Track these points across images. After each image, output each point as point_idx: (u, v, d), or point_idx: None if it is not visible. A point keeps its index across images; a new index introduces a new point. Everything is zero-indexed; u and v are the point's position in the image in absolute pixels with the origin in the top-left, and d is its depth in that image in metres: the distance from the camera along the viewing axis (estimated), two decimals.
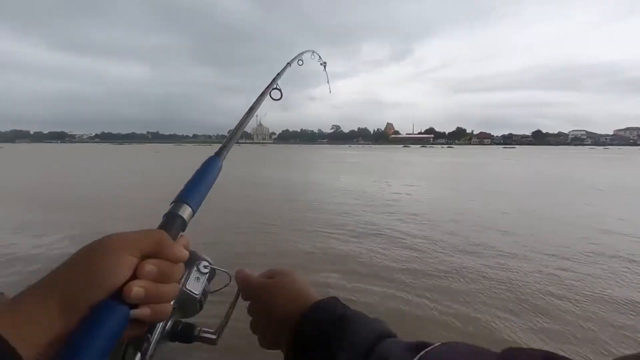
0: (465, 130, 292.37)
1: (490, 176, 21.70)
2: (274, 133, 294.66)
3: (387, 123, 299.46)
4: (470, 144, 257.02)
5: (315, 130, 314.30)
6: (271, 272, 0.59)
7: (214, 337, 0.54)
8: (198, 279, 0.52)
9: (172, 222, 0.48)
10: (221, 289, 0.59)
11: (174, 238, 0.46)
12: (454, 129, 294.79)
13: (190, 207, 0.52)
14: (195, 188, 0.55)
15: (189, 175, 0.59)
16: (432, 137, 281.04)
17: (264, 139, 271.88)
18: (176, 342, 0.50)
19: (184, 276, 0.50)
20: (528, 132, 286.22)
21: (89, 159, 42.92)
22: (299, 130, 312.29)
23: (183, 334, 0.50)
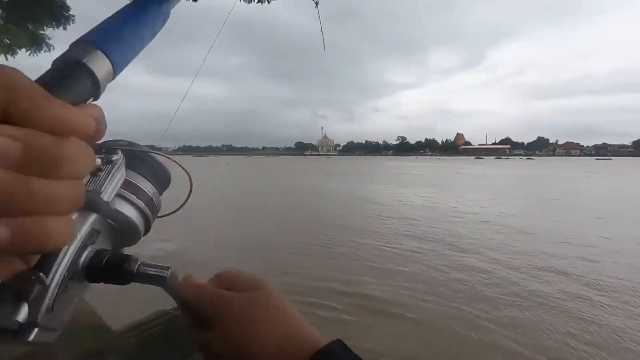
0: (547, 140, 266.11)
1: (587, 193, 18.87)
2: (338, 145, 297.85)
3: (457, 133, 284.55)
4: (554, 154, 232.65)
5: (380, 142, 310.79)
6: (229, 277, 0.40)
7: (164, 273, 0.34)
8: (131, 184, 0.35)
9: (64, 74, 0.28)
10: (177, 210, 0.41)
11: (75, 100, 0.27)
12: (534, 139, 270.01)
13: (108, 58, 0.32)
14: (117, 32, 0.34)
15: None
16: (508, 148, 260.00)
17: (329, 150, 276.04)
18: (102, 284, 0.32)
19: (102, 176, 0.31)
20: (627, 142, 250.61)
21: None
22: (363, 141, 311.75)
23: (110, 270, 0.32)
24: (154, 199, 0.38)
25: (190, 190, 0.45)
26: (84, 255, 0.30)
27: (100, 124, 0.24)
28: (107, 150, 0.34)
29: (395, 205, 13.10)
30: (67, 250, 0.28)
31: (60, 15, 6.40)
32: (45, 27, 6.42)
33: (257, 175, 36.05)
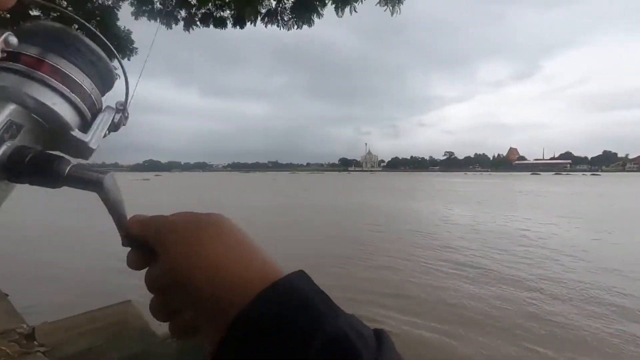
0: (615, 154, 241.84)
1: None
2: (382, 161, 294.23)
3: (510, 148, 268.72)
4: (624, 170, 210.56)
5: (426, 157, 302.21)
6: (184, 214, 0.33)
7: (101, 177, 0.30)
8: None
9: None
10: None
11: None
12: (600, 153, 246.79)
13: None
14: None
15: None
16: (569, 163, 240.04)
17: (373, 166, 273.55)
18: (26, 185, 0.29)
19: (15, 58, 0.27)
20: None
21: (218, 185, 49.99)
22: (408, 157, 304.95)
23: (35, 169, 0.28)
24: (93, 96, 0.32)
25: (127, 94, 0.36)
26: (1, 150, 0.27)
27: None
28: (24, 29, 0.29)
29: (442, 226, 12.51)
30: None
31: (126, 48, 7.15)
32: (112, 59, 7.18)
33: (302, 191, 36.54)
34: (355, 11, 6.26)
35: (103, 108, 0.34)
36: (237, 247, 0.31)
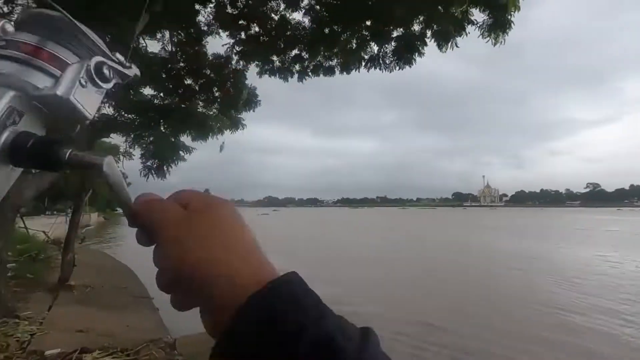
0: None
1: None
2: (504, 195, 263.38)
3: None
4: None
5: (562, 190, 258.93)
6: (186, 195, 0.34)
7: (100, 162, 0.31)
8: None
9: None
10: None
11: None
12: None
13: None
14: None
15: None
16: None
17: (493, 201, 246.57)
18: (30, 173, 0.32)
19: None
20: None
21: (328, 220, 51.77)
22: (537, 190, 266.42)
23: (37, 153, 0.29)
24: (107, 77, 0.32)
25: None
26: (4, 136, 0.28)
27: None
28: (22, 18, 0.30)
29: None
30: None
31: (252, 102, 8.43)
32: (241, 112, 8.48)
33: (416, 227, 35.16)
34: (456, 46, 6.20)
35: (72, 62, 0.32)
36: (236, 243, 0.31)
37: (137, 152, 6.97)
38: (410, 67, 6.84)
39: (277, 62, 9.45)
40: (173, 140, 6.39)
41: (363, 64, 7.62)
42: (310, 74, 9.58)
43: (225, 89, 8.43)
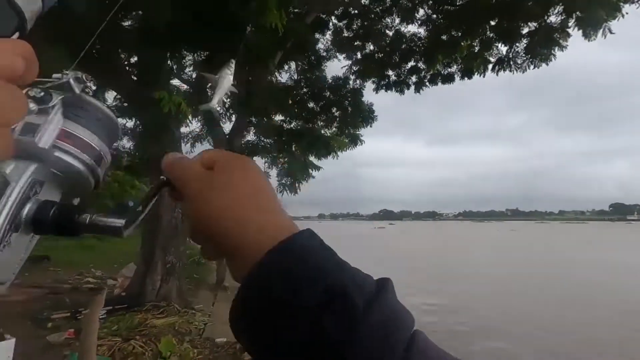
0: None
1: None
2: None
3: None
4: None
5: None
6: (209, 155, 0.36)
7: (119, 224, 0.33)
8: (74, 114, 0.33)
9: None
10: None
11: None
12: None
13: None
14: None
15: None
16: None
17: None
18: (50, 236, 0.33)
19: (37, 123, 0.30)
20: None
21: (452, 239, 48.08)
22: None
23: (60, 222, 0.31)
24: (100, 151, 0.34)
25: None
26: (27, 207, 0.29)
27: (29, 63, 0.21)
28: (41, 95, 0.31)
29: None
30: (5, 203, 0.27)
31: (369, 118, 8.70)
32: (359, 129, 8.77)
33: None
34: (610, 32, 5.24)
35: (108, 159, 0.36)
36: (255, 196, 0.33)
37: (273, 171, 7.96)
38: (547, 64, 6.09)
39: (393, 76, 9.59)
40: (303, 160, 7.06)
41: (490, 67, 7.11)
42: (427, 83, 9.40)
43: (343, 107, 8.96)
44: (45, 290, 6.31)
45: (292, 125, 7.91)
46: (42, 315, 4.75)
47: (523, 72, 6.39)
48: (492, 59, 7.15)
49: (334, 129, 8.65)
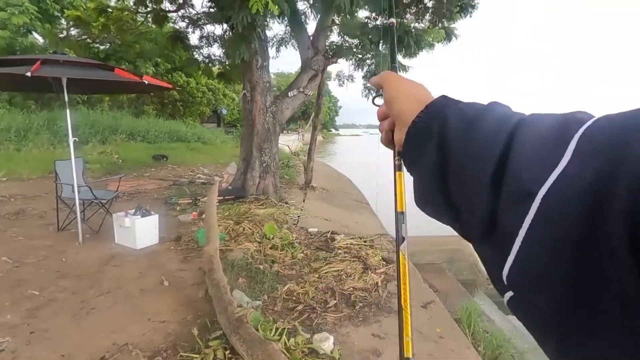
0: None
1: None
2: None
3: None
4: None
5: None
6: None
7: None
8: None
9: None
10: None
11: None
12: None
13: None
14: None
15: None
16: None
17: None
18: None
19: None
20: None
21: None
22: None
23: None
24: None
25: None
26: None
27: None
28: None
29: None
30: None
31: (467, 6, 7.46)
32: (455, 21, 7.64)
33: None
34: None
35: None
36: (415, 85, 0.48)
37: (358, 73, 7.66)
38: None
39: None
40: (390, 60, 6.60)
41: None
42: None
43: None
44: (169, 182, 7.65)
45: (377, 23, 7.26)
46: (171, 200, 5.85)
47: None
48: None
49: (426, 22, 7.72)
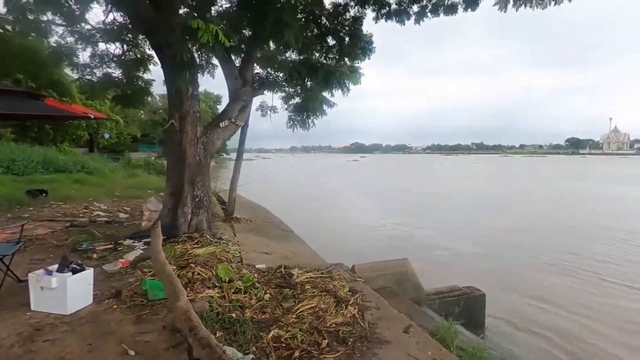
0: None
1: None
2: (637, 140, 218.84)
3: None
4: None
5: None
6: None
7: None
8: None
9: None
10: None
11: None
12: None
13: None
14: None
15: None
16: None
17: (620, 148, 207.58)
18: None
19: None
20: None
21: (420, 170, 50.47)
22: None
23: None
24: None
25: None
26: None
27: None
28: None
29: None
30: None
31: (367, 50, 8.46)
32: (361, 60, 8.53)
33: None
34: None
35: None
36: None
37: (280, 105, 7.79)
38: (570, 0, 6.04)
39: (394, 4, 9.13)
40: (319, 95, 6.99)
41: (511, 2, 6.92)
42: (429, 14, 9.07)
43: (340, 37, 8.58)
44: (64, 224, 6.36)
45: (301, 57, 7.57)
46: (81, 247, 4.90)
47: (543, 9, 6.33)
48: None
49: (330, 60, 8.39)
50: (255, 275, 4.12)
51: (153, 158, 26.06)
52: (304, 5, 7.34)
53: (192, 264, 4.25)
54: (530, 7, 6.52)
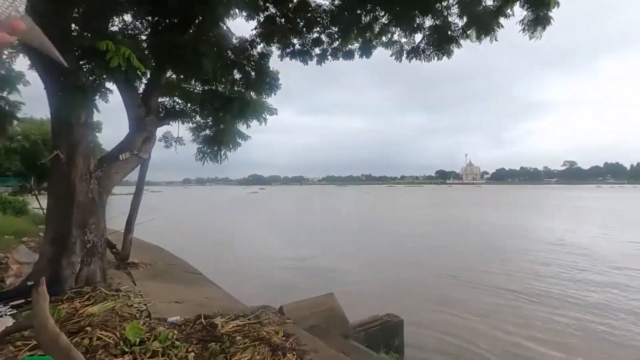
0: None
1: None
2: (486, 172, 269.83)
3: None
4: None
5: (540, 168, 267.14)
6: None
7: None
8: None
9: None
10: None
11: None
12: None
13: None
14: None
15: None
16: None
17: (474, 179, 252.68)
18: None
19: None
20: None
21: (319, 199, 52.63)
22: (517, 168, 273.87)
23: None
24: None
25: None
26: None
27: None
28: None
29: None
30: None
31: (274, 86, 8.70)
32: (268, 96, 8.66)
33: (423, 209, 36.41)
34: (495, 40, 6.64)
35: None
36: None
37: (187, 137, 7.27)
38: (449, 58, 7.25)
39: (298, 45, 9.68)
40: (233, 128, 6.76)
41: (405, 54, 7.94)
42: (329, 57, 9.85)
43: (246, 71, 8.66)
44: None
45: (205, 87, 7.28)
46: None
47: (428, 62, 7.42)
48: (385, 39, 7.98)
49: (234, 93, 8.34)
50: (174, 331, 3.55)
51: (7, 194, 21.32)
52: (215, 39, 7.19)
53: (87, 327, 3.45)
54: (418, 59, 7.66)
